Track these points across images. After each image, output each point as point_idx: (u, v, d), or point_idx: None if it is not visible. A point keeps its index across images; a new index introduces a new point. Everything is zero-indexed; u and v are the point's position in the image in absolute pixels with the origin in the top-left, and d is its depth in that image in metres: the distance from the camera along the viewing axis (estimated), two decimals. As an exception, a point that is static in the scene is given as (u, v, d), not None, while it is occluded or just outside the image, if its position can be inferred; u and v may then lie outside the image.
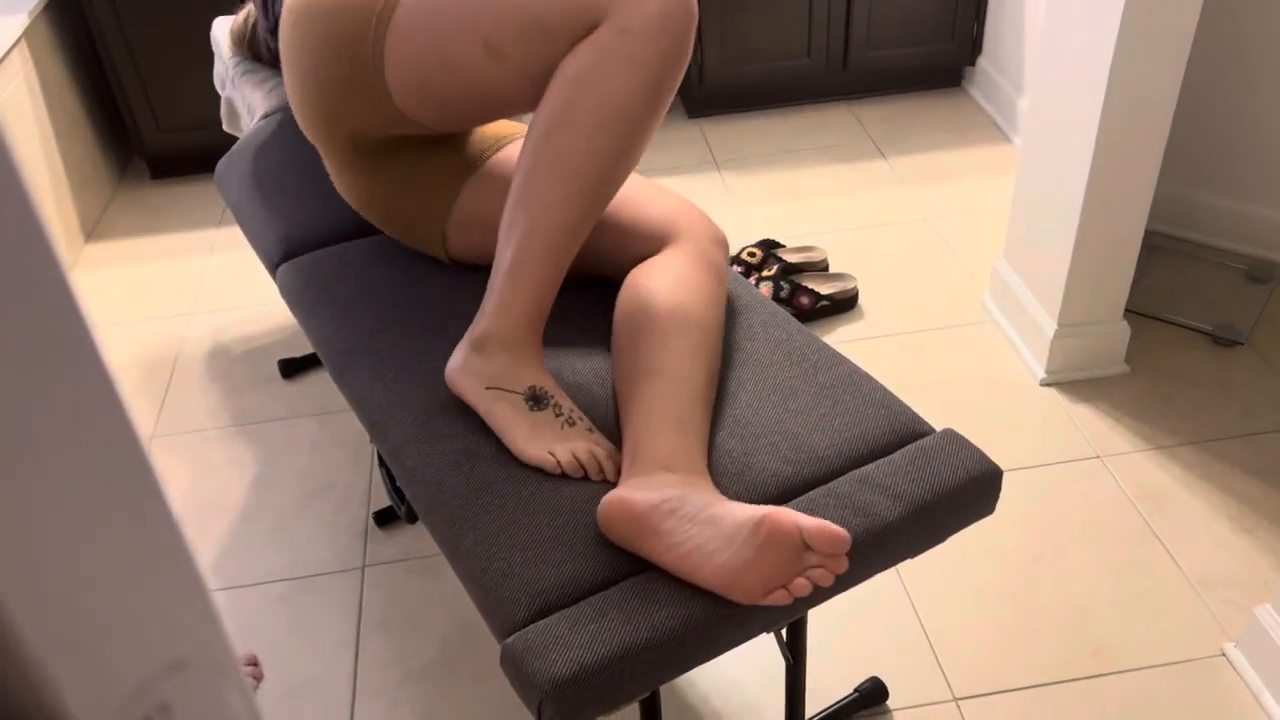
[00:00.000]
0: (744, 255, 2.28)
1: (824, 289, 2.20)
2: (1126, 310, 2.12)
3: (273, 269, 1.56)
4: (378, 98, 1.27)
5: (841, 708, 1.45)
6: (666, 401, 1.07)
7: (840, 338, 2.15)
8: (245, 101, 1.95)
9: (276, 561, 1.75)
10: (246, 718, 0.31)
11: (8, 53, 2.37)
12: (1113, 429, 1.88)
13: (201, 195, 2.83)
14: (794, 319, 1.30)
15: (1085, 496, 1.76)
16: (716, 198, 2.65)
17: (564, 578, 0.99)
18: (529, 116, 1.30)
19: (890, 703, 1.47)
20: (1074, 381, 2.00)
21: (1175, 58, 1.68)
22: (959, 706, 1.46)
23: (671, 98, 1.13)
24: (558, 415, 1.11)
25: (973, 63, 3.01)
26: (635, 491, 1.00)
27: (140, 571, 0.27)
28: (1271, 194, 2.22)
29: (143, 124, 2.76)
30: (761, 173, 2.73)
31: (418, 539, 1.77)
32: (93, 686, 0.26)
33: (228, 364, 2.21)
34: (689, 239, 1.26)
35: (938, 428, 1.92)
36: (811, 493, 1.07)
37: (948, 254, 2.38)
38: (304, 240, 1.56)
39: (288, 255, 1.55)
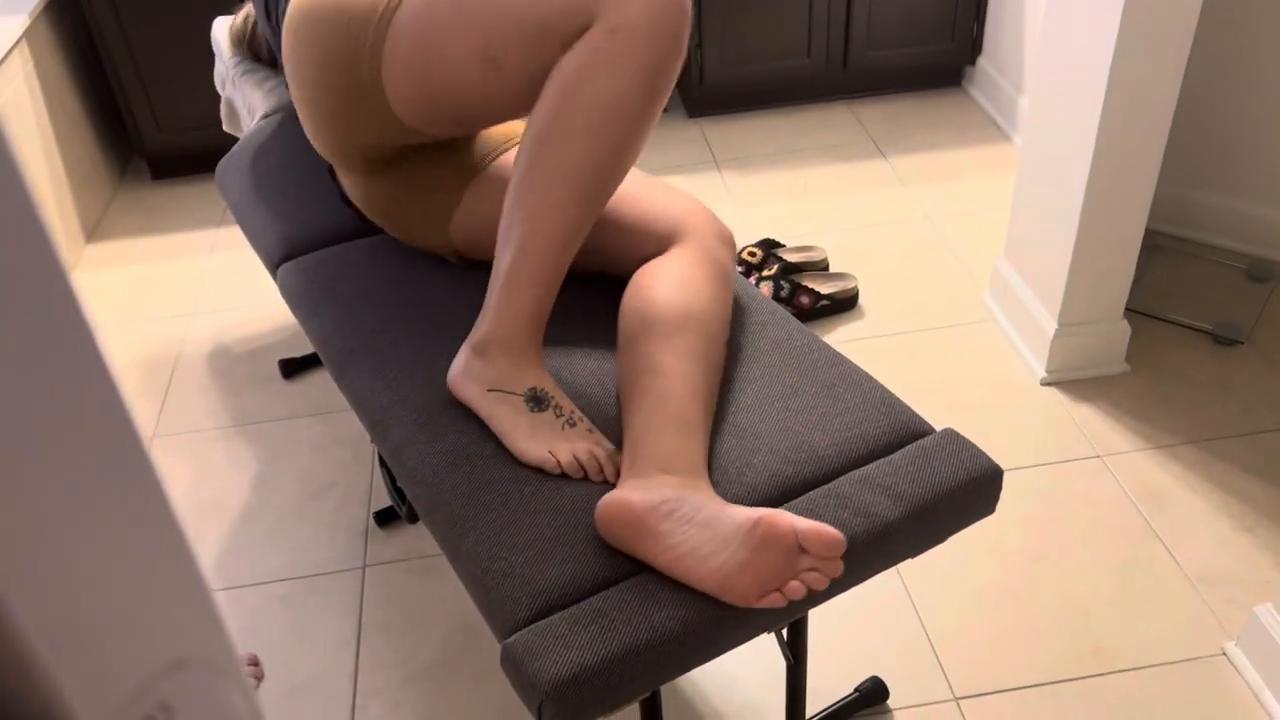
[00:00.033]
0: (744, 255, 2.28)
1: (824, 288, 2.20)
2: (1127, 309, 2.12)
3: (273, 269, 1.56)
4: (378, 109, 1.28)
5: (842, 707, 1.45)
6: (667, 402, 1.07)
7: (840, 337, 2.15)
8: (245, 102, 1.95)
9: (277, 561, 1.75)
10: (248, 717, 0.31)
11: (8, 53, 2.37)
12: (1113, 428, 1.88)
13: (202, 195, 2.83)
14: (794, 318, 1.30)
15: (1086, 496, 1.76)
16: (717, 197, 2.65)
17: (565, 578, 0.99)
18: None
19: (891, 702, 1.47)
20: (1074, 381, 2.00)
21: (1175, 57, 1.68)
22: (959, 706, 1.46)
23: (666, 97, 1.13)
24: (558, 416, 1.11)
25: (973, 62, 3.01)
26: (633, 493, 1.00)
27: (142, 571, 0.27)
28: (1271, 193, 2.22)
29: (143, 124, 2.76)
30: (762, 172, 2.73)
31: (418, 539, 1.77)
32: (94, 686, 0.26)
33: (228, 364, 2.21)
34: (695, 238, 1.26)
35: (938, 427, 1.92)
36: (812, 493, 1.07)
37: (948, 253, 2.38)
38: (304, 240, 1.56)
39: (288, 255, 1.55)
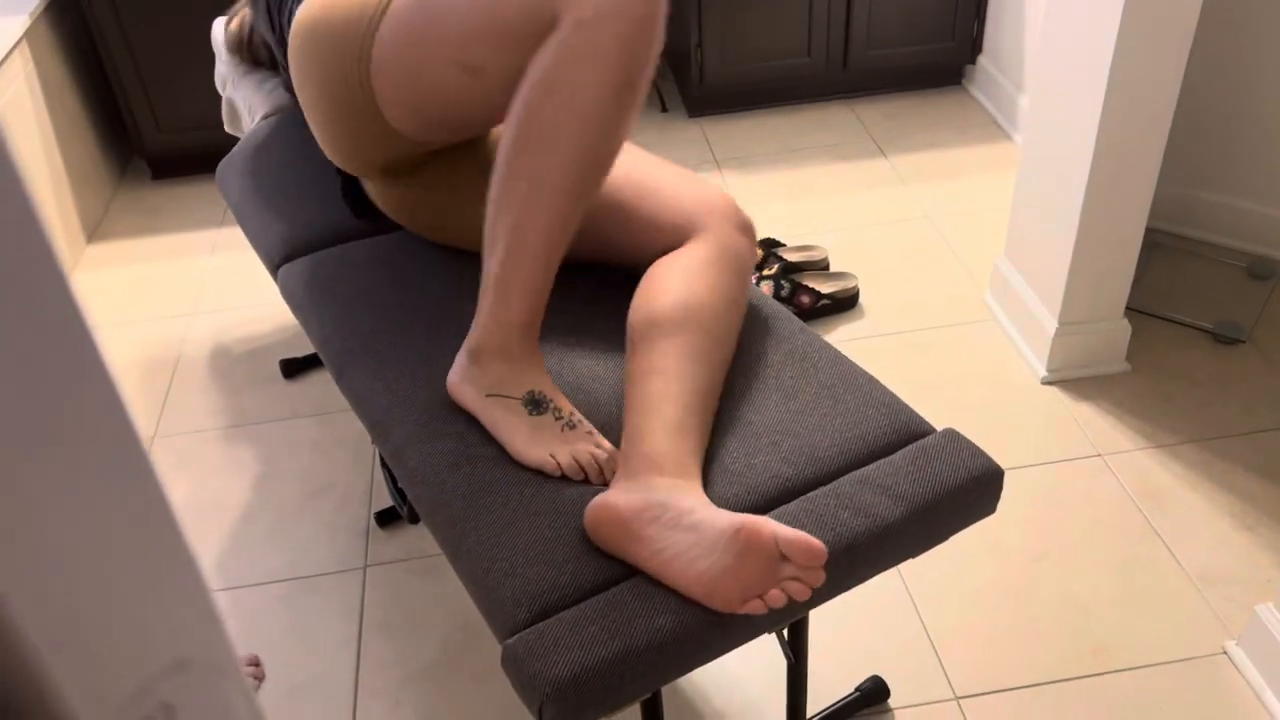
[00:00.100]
0: (745, 254, 2.28)
1: (825, 288, 2.20)
2: (1127, 308, 2.12)
3: (274, 269, 1.56)
4: (379, 124, 1.30)
5: (843, 706, 1.45)
6: (661, 402, 1.07)
7: (841, 336, 2.15)
8: (246, 102, 1.95)
9: (278, 561, 1.75)
10: (248, 718, 0.31)
11: (8, 54, 2.37)
12: (1114, 427, 1.88)
13: (202, 195, 2.83)
14: (795, 318, 1.30)
15: (1086, 495, 1.76)
16: (717, 197, 2.64)
17: (565, 579, 0.99)
18: None
19: (891, 701, 1.47)
20: (1075, 380, 2.00)
21: (1175, 55, 1.68)
22: (960, 705, 1.46)
23: (644, 88, 1.10)
24: (558, 418, 1.11)
25: (973, 61, 3.01)
26: (620, 497, 1.00)
27: (142, 572, 0.27)
28: (1272, 191, 2.22)
29: (143, 124, 2.77)
30: (762, 172, 2.73)
31: (419, 539, 1.77)
32: (95, 687, 0.26)
33: (229, 364, 2.21)
34: (713, 230, 1.24)
35: (939, 426, 1.92)
36: (813, 493, 1.07)
37: (948, 252, 2.38)
38: (305, 241, 1.56)
39: (289, 256, 1.55)
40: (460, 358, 1.17)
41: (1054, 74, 1.84)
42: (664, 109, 3.08)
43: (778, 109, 3.04)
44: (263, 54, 1.93)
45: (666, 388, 1.08)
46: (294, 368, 2.16)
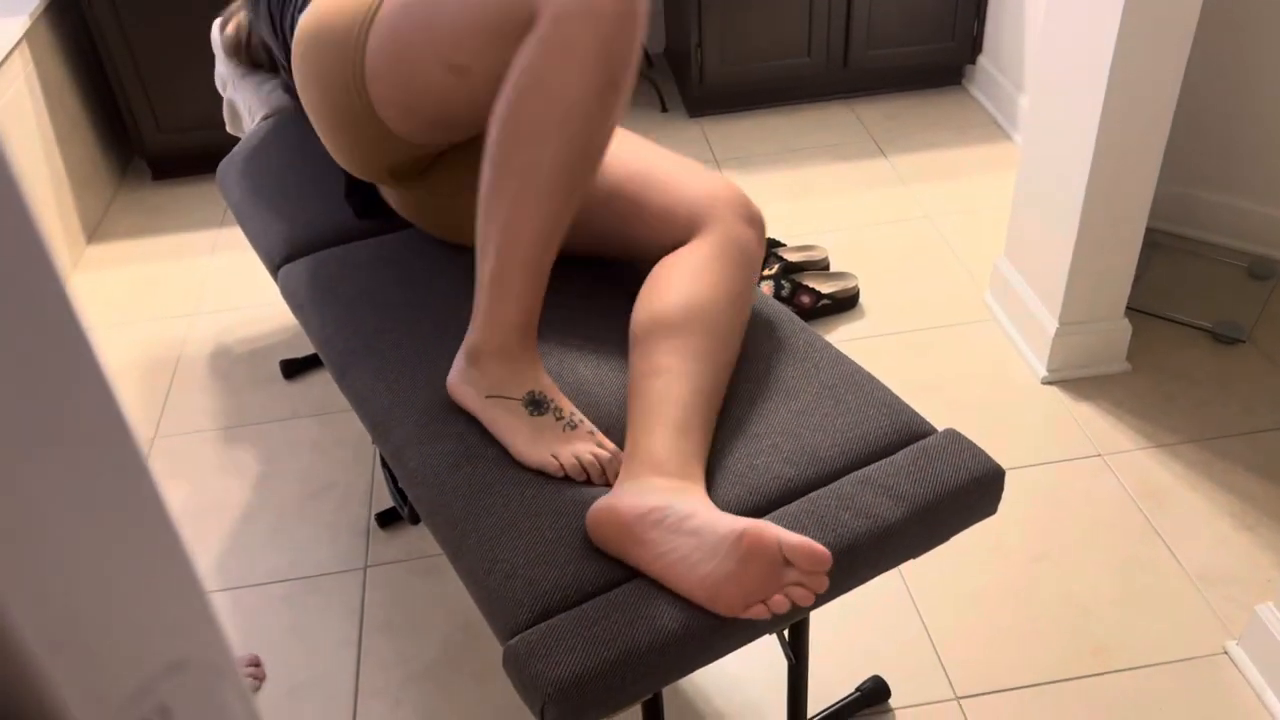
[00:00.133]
0: (745, 254, 2.28)
1: (825, 288, 2.20)
2: (1127, 308, 2.12)
3: (274, 270, 1.56)
4: (379, 129, 1.30)
5: (843, 706, 1.45)
6: (663, 403, 1.07)
7: (841, 336, 2.15)
8: (246, 104, 1.95)
9: (278, 562, 1.75)
10: (245, 719, 0.31)
11: (8, 55, 2.38)
12: (1114, 427, 1.88)
13: (203, 195, 2.84)
14: (796, 318, 1.29)
15: (1087, 494, 1.76)
16: (717, 197, 2.64)
17: (567, 580, 0.99)
18: None
19: (892, 701, 1.47)
20: (1075, 379, 1.99)
21: (1175, 55, 1.68)
22: (960, 705, 1.46)
23: (628, 82, 1.08)
24: (558, 419, 1.11)
25: (973, 61, 3.01)
26: (623, 500, 0.99)
27: (139, 573, 0.27)
28: (1272, 191, 2.22)
29: (143, 125, 2.77)
30: (762, 172, 2.73)
31: (419, 539, 1.77)
32: (92, 688, 0.26)
33: (230, 364, 2.21)
34: (719, 224, 1.22)
35: (939, 426, 1.92)
36: (814, 494, 1.07)
37: (948, 252, 2.38)
38: (305, 241, 1.57)
39: (289, 256, 1.55)
40: (459, 359, 1.16)
41: (1054, 74, 1.84)
42: (664, 109, 3.08)
43: (778, 109, 3.04)
44: (261, 56, 1.93)
45: (669, 388, 1.08)
46: (294, 368, 2.16)
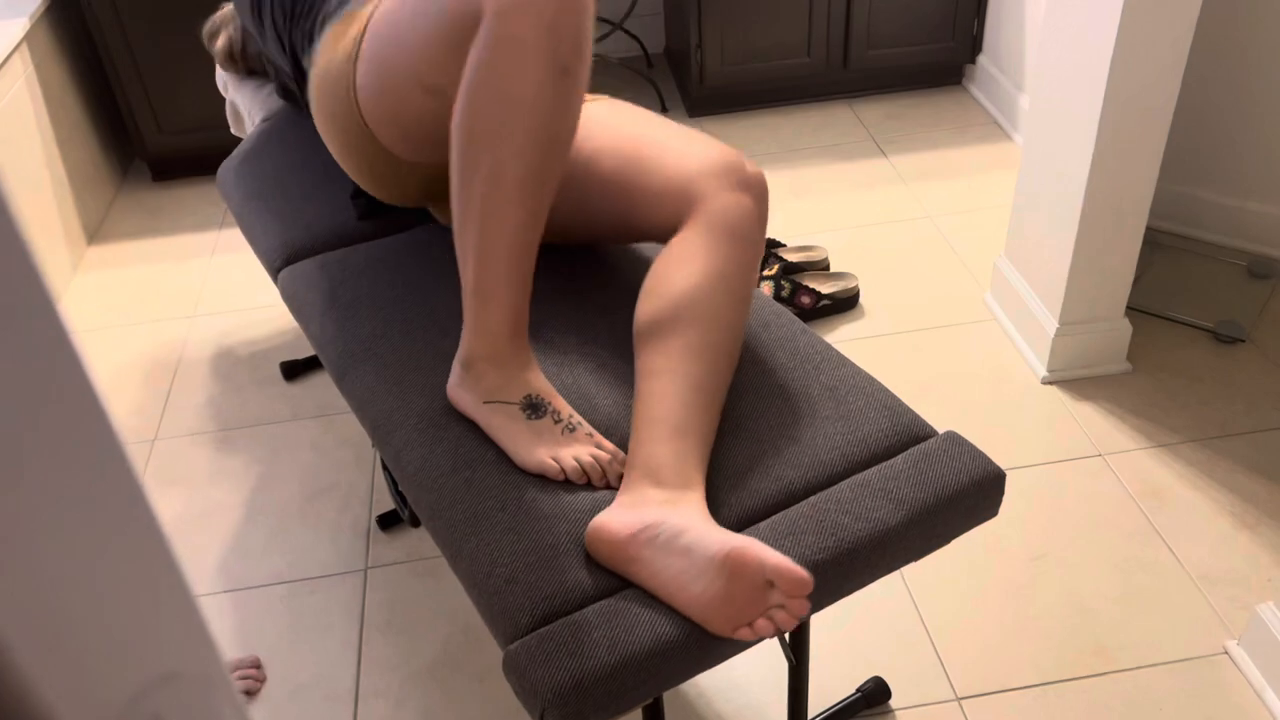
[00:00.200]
0: (745, 255, 2.28)
1: (825, 288, 2.19)
2: (1128, 308, 2.12)
3: (274, 273, 1.56)
4: (391, 158, 1.34)
5: (844, 708, 1.45)
6: (661, 405, 1.06)
7: (841, 337, 2.15)
8: (246, 106, 1.95)
9: (279, 563, 1.76)
10: (239, 729, 0.31)
11: (8, 56, 2.38)
12: (1115, 427, 1.88)
13: (203, 197, 2.84)
14: (796, 319, 1.29)
15: (1087, 494, 1.76)
16: (717, 197, 2.64)
17: (567, 584, 0.99)
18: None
19: (893, 702, 1.47)
20: (1076, 379, 1.99)
21: (1175, 54, 1.68)
22: (961, 706, 1.46)
23: (579, 72, 1.07)
24: (556, 422, 1.10)
25: (973, 60, 3.00)
26: (616, 518, 0.99)
27: (130, 585, 0.27)
28: (1272, 190, 2.21)
29: (144, 126, 2.77)
30: (763, 171, 2.73)
31: (420, 540, 1.78)
32: (83, 700, 0.26)
33: (230, 366, 2.21)
34: (707, 199, 1.16)
35: (939, 426, 1.92)
36: (814, 497, 1.06)
37: (949, 252, 2.38)
38: (305, 244, 1.57)
39: (289, 259, 1.55)
40: (455, 367, 1.16)
41: (1054, 73, 1.84)
42: (664, 109, 3.08)
43: (778, 109, 3.03)
44: (257, 63, 1.93)
45: (664, 389, 1.07)
46: (295, 369, 2.16)
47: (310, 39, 1.43)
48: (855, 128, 2.90)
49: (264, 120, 1.86)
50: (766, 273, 2.23)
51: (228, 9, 1.93)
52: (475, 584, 1.02)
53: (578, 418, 1.12)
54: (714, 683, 1.52)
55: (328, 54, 1.35)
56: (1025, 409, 1.94)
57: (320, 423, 2.04)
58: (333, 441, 1.99)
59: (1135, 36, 1.65)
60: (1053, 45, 1.83)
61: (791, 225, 2.51)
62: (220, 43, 1.92)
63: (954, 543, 1.70)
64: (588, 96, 1.36)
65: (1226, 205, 2.27)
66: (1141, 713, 1.43)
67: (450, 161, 1.11)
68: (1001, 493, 1.10)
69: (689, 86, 2.96)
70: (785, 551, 1.00)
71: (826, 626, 1.58)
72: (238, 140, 2.77)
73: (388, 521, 1.80)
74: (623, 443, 1.13)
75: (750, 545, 0.91)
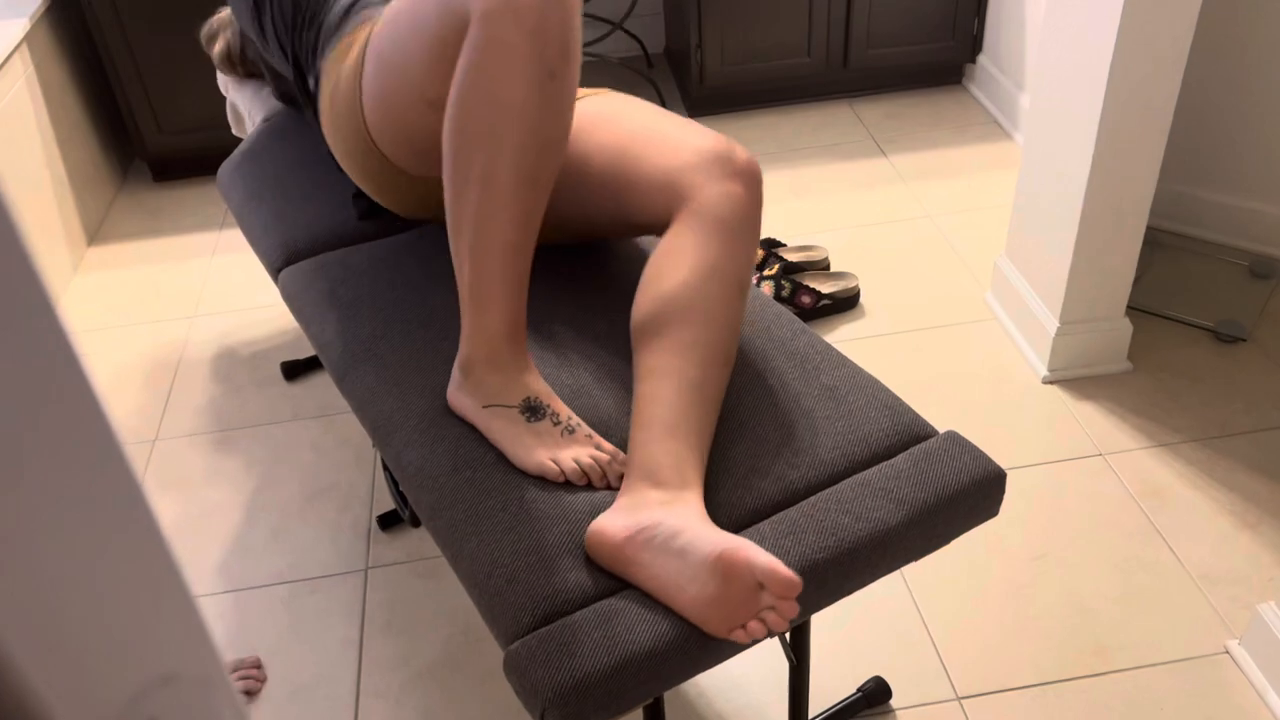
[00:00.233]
0: (745, 254, 2.28)
1: (825, 288, 2.19)
2: (1129, 307, 2.12)
3: (274, 273, 1.56)
4: (406, 176, 1.35)
5: (845, 707, 1.45)
6: (656, 404, 1.05)
7: (842, 336, 2.15)
8: (246, 107, 1.95)
9: (280, 563, 1.76)
10: (238, 730, 0.31)
11: (9, 57, 2.38)
12: (1116, 426, 1.88)
13: (204, 197, 2.84)
14: (796, 318, 1.29)
15: (1088, 494, 1.75)
16: (718, 197, 2.64)
17: (567, 584, 0.99)
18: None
19: (893, 702, 1.47)
20: (1076, 379, 1.99)
21: (1175, 53, 1.67)
22: (962, 705, 1.46)
23: (567, 74, 1.06)
24: (555, 424, 1.10)
25: (973, 60, 3.00)
26: (613, 522, 0.99)
27: (128, 586, 0.27)
28: (1273, 189, 2.21)
29: (144, 126, 2.77)
30: (763, 172, 2.73)
31: (421, 540, 1.77)
32: (81, 702, 0.26)
33: (231, 366, 2.21)
34: (692, 196, 1.15)
35: (939, 426, 1.92)
36: (814, 497, 1.06)
37: (949, 252, 2.38)
38: (306, 244, 1.57)
39: (290, 259, 1.55)
40: (454, 372, 1.16)
41: (1054, 72, 1.84)
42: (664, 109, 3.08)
43: (777, 109, 3.03)
44: (256, 67, 1.93)
45: (659, 389, 1.06)
46: (295, 370, 2.16)
47: (314, 53, 1.44)
48: (855, 127, 2.90)
49: (264, 120, 1.86)
50: (767, 272, 2.23)
51: (225, 13, 1.93)
52: (476, 584, 1.02)
53: (577, 419, 1.12)
54: (715, 682, 1.52)
55: (331, 80, 1.36)
56: (1026, 408, 1.93)
57: (321, 423, 2.04)
58: (333, 441, 1.99)
59: (1136, 35, 1.64)
60: (1053, 45, 1.83)
61: (792, 225, 2.51)
62: (218, 47, 1.92)
63: (954, 542, 1.70)
64: (589, 91, 1.36)
65: (1227, 204, 2.27)
66: (1142, 713, 1.43)
67: (443, 167, 1.11)
68: (1002, 492, 1.10)
69: (689, 86, 2.96)
70: (786, 551, 1.00)
71: (827, 626, 1.58)
72: (238, 140, 2.77)
73: (388, 521, 1.80)
74: (623, 443, 1.13)
75: (740, 547, 0.91)
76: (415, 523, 1.76)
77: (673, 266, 1.12)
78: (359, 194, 1.57)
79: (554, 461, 1.08)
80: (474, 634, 1.61)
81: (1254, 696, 1.44)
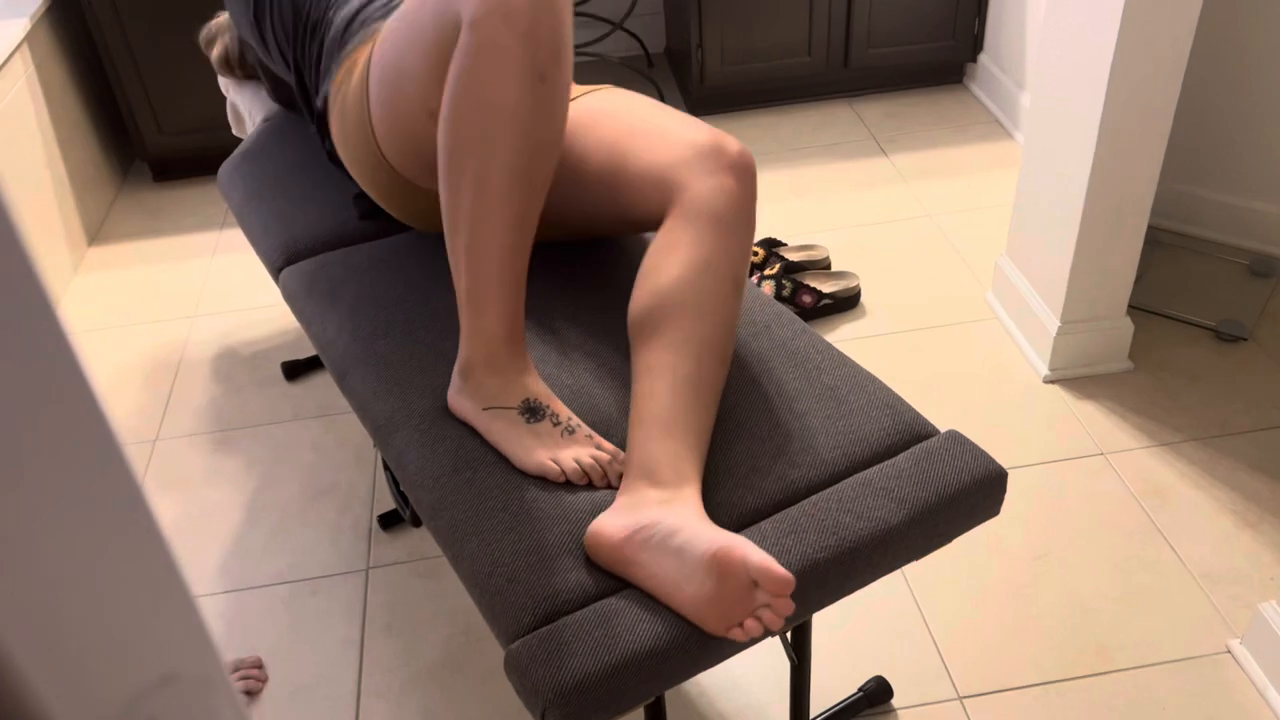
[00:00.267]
0: (746, 254, 2.28)
1: (826, 287, 2.19)
2: (1129, 306, 2.12)
3: (275, 272, 1.56)
4: (414, 188, 1.35)
5: (846, 707, 1.45)
6: (653, 404, 1.05)
7: (843, 336, 2.15)
8: (246, 107, 1.95)
9: (280, 563, 1.76)
10: (239, 731, 0.31)
11: (9, 57, 2.38)
12: (1117, 425, 1.88)
13: (204, 197, 2.84)
14: (797, 318, 1.29)
15: (1089, 493, 1.75)
16: (718, 196, 2.64)
17: (568, 584, 0.99)
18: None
19: (895, 702, 1.47)
20: (1077, 378, 1.99)
21: (1176, 53, 1.67)
22: (963, 705, 1.46)
23: (558, 77, 1.07)
24: (555, 424, 1.10)
25: (974, 59, 3.00)
26: (613, 521, 0.99)
27: (128, 586, 0.27)
28: (1274, 189, 2.21)
29: (144, 126, 2.77)
30: (763, 171, 2.73)
31: (421, 540, 1.77)
32: (82, 703, 0.26)
33: (231, 366, 2.21)
34: (683, 192, 1.13)
35: (940, 425, 1.92)
36: (815, 496, 1.06)
37: (950, 251, 2.38)
38: (306, 244, 1.57)
39: (290, 259, 1.55)
40: (454, 376, 1.17)
41: (1055, 71, 1.83)
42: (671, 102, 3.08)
43: (778, 108, 3.03)
44: (255, 71, 1.93)
45: (654, 387, 1.06)
46: (296, 369, 2.16)
47: (317, 70, 1.45)
48: (856, 127, 2.90)
49: (264, 120, 1.86)
50: (768, 272, 2.23)
51: (224, 17, 1.93)
52: (477, 584, 1.02)
53: (576, 419, 1.12)
54: (716, 682, 1.51)
55: (339, 99, 1.37)
56: (1027, 408, 1.93)
57: (321, 423, 2.04)
58: (334, 441, 1.99)
59: (1136, 35, 1.64)
60: (1054, 44, 1.82)
61: (792, 224, 2.51)
62: (216, 51, 1.92)
63: (955, 542, 1.70)
64: (590, 87, 1.36)
65: (1228, 204, 2.27)
66: (1143, 712, 1.43)
67: (438, 171, 1.11)
68: (1003, 492, 1.10)
69: (689, 86, 2.96)
70: (788, 550, 1.00)
71: (828, 626, 1.58)
72: (238, 140, 2.77)
73: (389, 521, 1.80)
74: (623, 442, 1.13)
75: (735, 545, 0.91)
76: (416, 523, 1.76)
77: (666, 262, 1.11)
78: (360, 194, 1.57)
79: (554, 461, 1.08)
80: (474, 634, 1.61)
81: (1255, 696, 1.44)
